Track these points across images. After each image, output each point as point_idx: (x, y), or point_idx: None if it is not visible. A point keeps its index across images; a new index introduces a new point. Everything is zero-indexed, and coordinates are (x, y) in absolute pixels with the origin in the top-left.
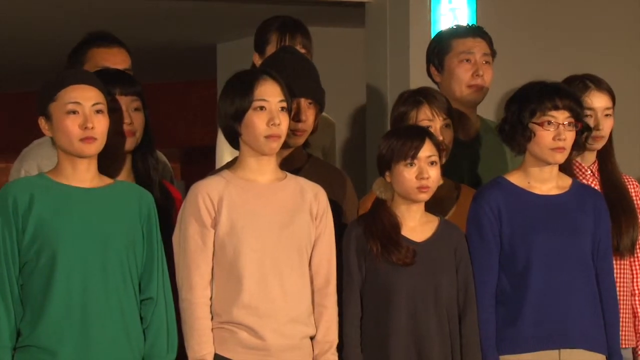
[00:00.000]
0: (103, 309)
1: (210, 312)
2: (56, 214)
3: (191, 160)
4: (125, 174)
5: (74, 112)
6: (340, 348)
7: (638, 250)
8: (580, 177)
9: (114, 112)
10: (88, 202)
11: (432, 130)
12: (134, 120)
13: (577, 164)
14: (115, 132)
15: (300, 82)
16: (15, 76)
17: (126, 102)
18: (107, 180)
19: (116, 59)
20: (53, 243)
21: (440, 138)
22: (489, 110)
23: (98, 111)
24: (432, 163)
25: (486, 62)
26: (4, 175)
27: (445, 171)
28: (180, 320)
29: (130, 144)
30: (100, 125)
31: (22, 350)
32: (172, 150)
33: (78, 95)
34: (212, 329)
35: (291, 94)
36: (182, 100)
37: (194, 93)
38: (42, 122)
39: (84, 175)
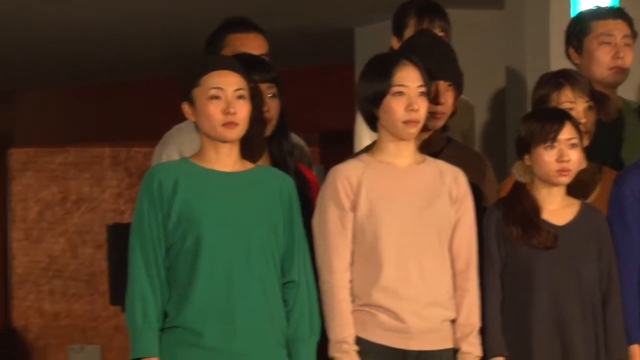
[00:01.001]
0: (247, 291)
1: (351, 294)
2: (200, 197)
3: (330, 144)
4: (262, 160)
5: (217, 97)
6: (481, 332)
7: None
8: None
9: (254, 98)
10: (231, 186)
11: (574, 112)
12: (270, 107)
13: None
14: (256, 118)
15: (439, 65)
16: (159, 63)
17: (263, 89)
18: (249, 165)
19: (253, 45)
20: (197, 226)
21: (583, 120)
22: (629, 92)
23: (240, 96)
24: (572, 145)
25: (627, 44)
26: (147, 160)
27: (587, 154)
28: (321, 303)
29: (267, 130)
30: (242, 111)
31: (169, 331)
32: (311, 134)
33: (221, 80)
34: (352, 312)
35: (430, 76)
36: (320, 85)
37: (332, 77)
38: (185, 107)
39: (227, 159)
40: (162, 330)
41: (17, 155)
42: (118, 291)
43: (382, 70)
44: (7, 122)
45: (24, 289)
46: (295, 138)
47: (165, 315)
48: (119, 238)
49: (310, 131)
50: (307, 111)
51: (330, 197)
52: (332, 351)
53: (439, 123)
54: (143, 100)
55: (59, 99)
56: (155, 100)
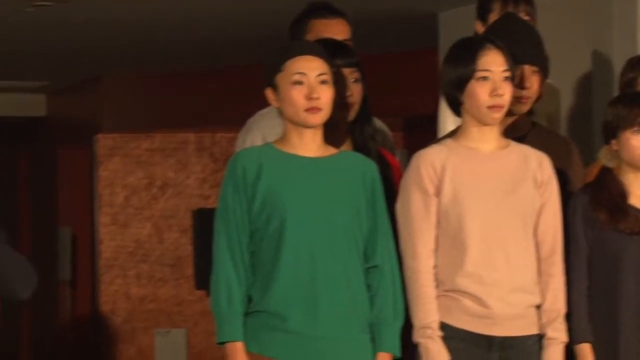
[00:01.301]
0: (330, 276)
1: (435, 280)
2: (284, 182)
3: (414, 129)
4: (345, 145)
5: (300, 82)
6: (566, 318)
7: None
8: None
9: (337, 83)
10: (314, 171)
11: None
12: (353, 92)
13: None
14: (339, 103)
15: (524, 49)
16: (243, 49)
17: (346, 74)
18: (332, 150)
19: (336, 30)
20: (281, 211)
21: None
22: None
23: (323, 81)
24: None
25: None
26: (232, 145)
27: None
28: (405, 288)
29: (350, 115)
30: (325, 96)
31: (253, 316)
32: (394, 119)
33: (304, 65)
34: (436, 297)
35: (515, 60)
36: (404, 70)
37: (416, 62)
38: (269, 93)
39: (310, 144)
40: (246, 314)
41: (104, 141)
42: (203, 276)
43: (466, 54)
44: (94, 108)
45: (111, 274)
46: (378, 123)
47: (249, 299)
48: (203, 223)
49: (393, 116)
50: (391, 96)
51: (414, 182)
52: (416, 336)
53: (524, 108)
54: (227, 86)
55: (145, 85)
56: (239, 86)
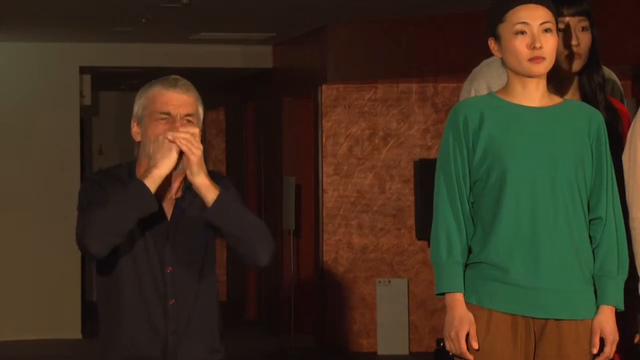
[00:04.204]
0: (552, 227)
1: None
2: (506, 132)
3: None
4: (571, 94)
5: (522, 32)
6: None
7: None
8: None
9: (564, 33)
10: (537, 121)
11: None
12: (581, 41)
13: None
14: (564, 52)
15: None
16: None
17: (573, 23)
18: (556, 100)
19: None
20: (502, 161)
21: None
22: None
23: (546, 30)
24: None
25: None
26: (454, 95)
27: None
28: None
29: (577, 65)
30: (549, 45)
31: (473, 267)
32: (623, 67)
33: (526, 15)
34: None
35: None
36: (634, 15)
37: None
38: (491, 43)
39: (534, 94)
40: (465, 265)
41: (327, 92)
42: (424, 226)
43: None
44: (319, 59)
45: (334, 223)
46: (607, 71)
47: (469, 251)
48: (425, 173)
49: (622, 64)
50: (620, 43)
51: None
52: None
53: None
54: (449, 35)
55: (368, 35)
56: (461, 35)
